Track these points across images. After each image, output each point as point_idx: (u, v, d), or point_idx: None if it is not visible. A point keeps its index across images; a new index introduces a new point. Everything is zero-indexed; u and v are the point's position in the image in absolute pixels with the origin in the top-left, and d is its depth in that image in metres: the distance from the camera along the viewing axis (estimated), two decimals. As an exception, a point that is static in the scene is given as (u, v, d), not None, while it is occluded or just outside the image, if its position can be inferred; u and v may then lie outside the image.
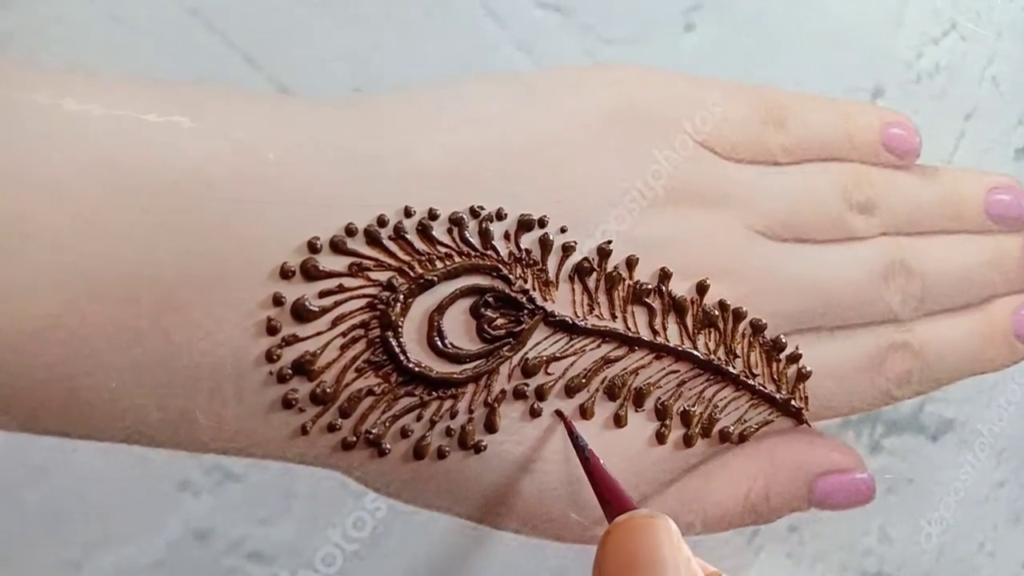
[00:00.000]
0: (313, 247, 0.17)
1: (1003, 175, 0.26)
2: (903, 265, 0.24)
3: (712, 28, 0.22)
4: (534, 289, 0.20)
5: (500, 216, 0.19)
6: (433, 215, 0.19)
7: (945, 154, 0.25)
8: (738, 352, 0.22)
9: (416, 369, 0.18)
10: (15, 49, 0.16)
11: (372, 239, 0.18)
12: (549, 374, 0.20)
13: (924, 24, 0.25)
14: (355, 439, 0.18)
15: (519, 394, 0.19)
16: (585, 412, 0.20)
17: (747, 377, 0.22)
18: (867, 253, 0.23)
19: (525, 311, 0.19)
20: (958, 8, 0.26)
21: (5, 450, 0.15)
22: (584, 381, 0.20)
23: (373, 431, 0.18)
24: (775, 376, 0.22)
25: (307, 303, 0.17)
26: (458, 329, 0.19)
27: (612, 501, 0.18)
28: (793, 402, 0.22)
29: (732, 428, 0.22)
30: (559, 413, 0.19)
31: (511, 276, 0.19)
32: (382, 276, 0.18)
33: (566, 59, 0.20)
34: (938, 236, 0.25)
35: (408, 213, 0.18)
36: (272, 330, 0.17)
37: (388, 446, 0.18)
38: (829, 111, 0.24)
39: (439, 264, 0.19)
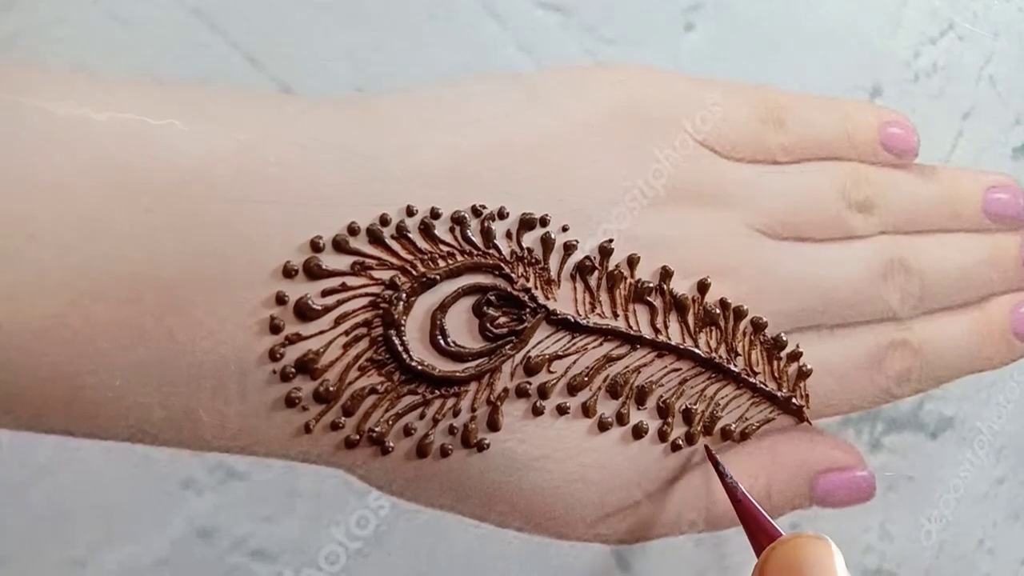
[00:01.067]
0: (316, 246, 0.17)
1: (1001, 174, 0.26)
2: (902, 263, 0.24)
3: (712, 28, 0.22)
4: (536, 288, 0.20)
5: (502, 215, 0.19)
6: (435, 214, 0.19)
7: (943, 153, 0.25)
8: (739, 350, 0.22)
9: (419, 367, 0.18)
10: (18, 50, 0.16)
11: (375, 238, 0.18)
12: (551, 372, 0.20)
13: (922, 24, 0.25)
14: (358, 437, 0.18)
15: (522, 392, 0.19)
16: (587, 410, 0.20)
17: (748, 375, 0.22)
18: (866, 252, 0.23)
19: (527, 310, 0.20)
20: (955, 8, 0.26)
21: (9, 449, 0.15)
22: (586, 379, 0.20)
23: (376, 429, 0.18)
24: (776, 374, 0.22)
25: (310, 302, 0.17)
26: (460, 328, 0.19)
27: (762, 535, 0.18)
28: (794, 400, 0.22)
29: (734, 426, 0.22)
30: (707, 448, 0.20)
31: (513, 275, 0.19)
32: (385, 275, 0.18)
33: (567, 59, 0.20)
34: (936, 235, 0.25)
35: (410, 212, 0.18)
36: (275, 329, 0.17)
37: (391, 444, 0.18)
38: (828, 110, 0.24)
39: (441, 263, 0.19)
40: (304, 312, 0.17)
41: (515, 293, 0.19)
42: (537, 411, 0.20)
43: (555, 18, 0.20)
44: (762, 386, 0.22)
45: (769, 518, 0.19)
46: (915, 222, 0.24)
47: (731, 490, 0.19)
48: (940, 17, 0.26)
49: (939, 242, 0.25)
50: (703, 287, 0.21)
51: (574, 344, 0.20)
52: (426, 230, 0.19)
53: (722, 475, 0.20)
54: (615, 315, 0.20)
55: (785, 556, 0.16)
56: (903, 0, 0.25)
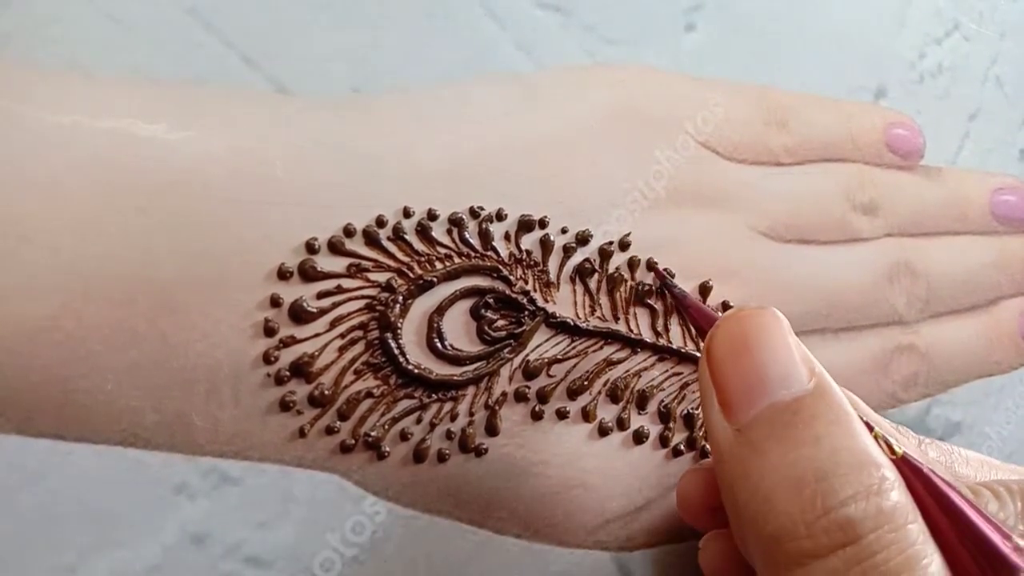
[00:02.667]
0: (311, 248, 0.17)
1: (1008, 175, 0.26)
2: (908, 266, 0.24)
3: (713, 28, 0.22)
4: (535, 290, 0.19)
5: (500, 217, 0.19)
6: (432, 216, 0.18)
7: (949, 155, 0.25)
8: (741, 353, 0.21)
9: (416, 371, 0.18)
10: (13, 49, 0.16)
11: (371, 240, 0.18)
12: (551, 376, 0.19)
13: (926, 24, 0.25)
14: (354, 442, 0.18)
15: (520, 396, 0.19)
16: (587, 415, 0.20)
17: (751, 379, 0.21)
18: (871, 254, 0.23)
19: (526, 312, 0.19)
20: (960, 8, 0.26)
21: (0, 453, 0.15)
22: (586, 383, 0.20)
23: (372, 434, 0.18)
24: (779, 378, 0.22)
25: (305, 304, 0.17)
26: (458, 331, 0.19)
27: (702, 318, 0.18)
28: (798, 404, 0.22)
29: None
30: (654, 265, 0.19)
31: (511, 277, 0.19)
32: (381, 277, 0.18)
33: (567, 59, 0.20)
34: (943, 237, 0.24)
35: (407, 214, 0.18)
36: (270, 331, 0.17)
37: (387, 449, 0.18)
38: (832, 111, 0.24)
39: (439, 265, 0.19)
40: (299, 315, 0.17)
41: (514, 296, 0.19)
42: (536, 415, 0.19)
43: (555, 18, 0.20)
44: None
45: (708, 308, 0.19)
46: (921, 224, 0.24)
47: (679, 298, 0.19)
48: (945, 17, 0.26)
49: (945, 244, 0.24)
50: (705, 290, 0.21)
51: (574, 347, 0.20)
52: (423, 232, 0.18)
53: (668, 284, 0.20)
54: (615, 318, 0.20)
55: (730, 329, 0.16)
56: (907, 0, 0.25)
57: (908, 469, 0.15)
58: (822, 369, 0.15)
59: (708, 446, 0.18)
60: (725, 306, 0.21)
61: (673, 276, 0.20)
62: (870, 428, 0.15)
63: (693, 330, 0.21)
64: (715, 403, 0.15)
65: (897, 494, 0.14)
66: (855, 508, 0.14)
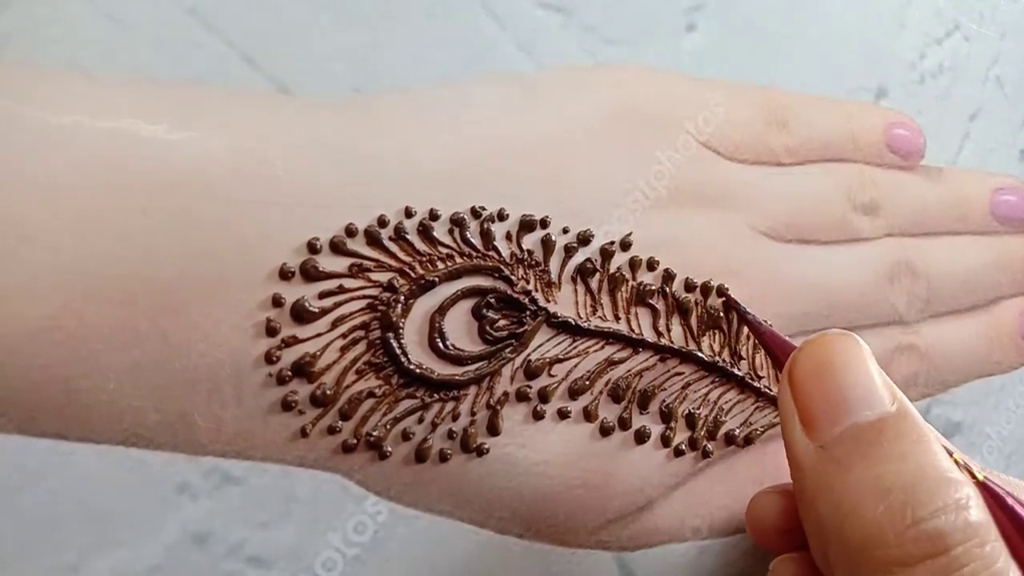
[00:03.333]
0: (313, 248, 0.17)
1: (1009, 176, 0.26)
2: (908, 266, 0.24)
3: (714, 28, 0.22)
4: (536, 290, 0.19)
5: (502, 217, 0.19)
6: (434, 216, 0.18)
7: (950, 155, 0.25)
8: (743, 354, 0.21)
9: (417, 371, 0.18)
10: (13, 49, 0.16)
11: (372, 240, 0.18)
12: (552, 376, 0.19)
13: (927, 24, 0.25)
14: (356, 442, 0.18)
15: (522, 396, 0.19)
16: (589, 415, 0.20)
17: (752, 379, 0.21)
18: (872, 254, 0.23)
19: (527, 312, 0.19)
20: (960, 8, 0.26)
21: (1, 453, 0.15)
22: (588, 383, 0.20)
23: (374, 434, 0.18)
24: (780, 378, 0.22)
25: (307, 304, 0.17)
26: (460, 330, 0.19)
27: (776, 348, 0.19)
28: (799, 404, 0.22)
29: (738, 431, 0.21)
30: (724, 292, 0.20)
31: (513, 277, 0.19)
32: (383, 277, 0.18)
33: (567, 59, 0.20)
34: (943, 237, 0.24)
35: (409, 214, 0.18)
36: (271, 331, 0.17)
37: (389, 449, 0.18)
38: (832, 112, 0.24)
39: (440, 265, 0.19)
40: (301, 314, 0.17)
41: (515, 295, 0.19)
42: (538, 415, 0.19)
43: (555, 18, 0.20)
44: (766, 390, 0.22)
45: (784, 336, 0.19)
46: (921, 224, 0.24)
47: (753, 326, 0.20)
48: (945, 18, 0.26)
49: (946, 244, 0.24)
50: (706, 290, 0.21)
51: (575, 347, 0.20)
52: (425, 232, 0.18)
53: (740, 310, 0.20)
54: (617, 318, 0.20)
55: (813, 352, 0.16)
56: (907, 0, 0.25)
57: (988, 493, 0.15)
58: (902, 395, 0.16)
59: (788, 464, 0.18)
60: (728, 307, 0.21)
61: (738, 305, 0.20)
62: (949, 453, 0.16)
63: (694, 330, 0.21)
64: (796, 422, 0.16)
65: (982, 512, 0.14)
66: (944, 520, 0.14)
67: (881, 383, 0.16)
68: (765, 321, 0.20)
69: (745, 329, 0.21)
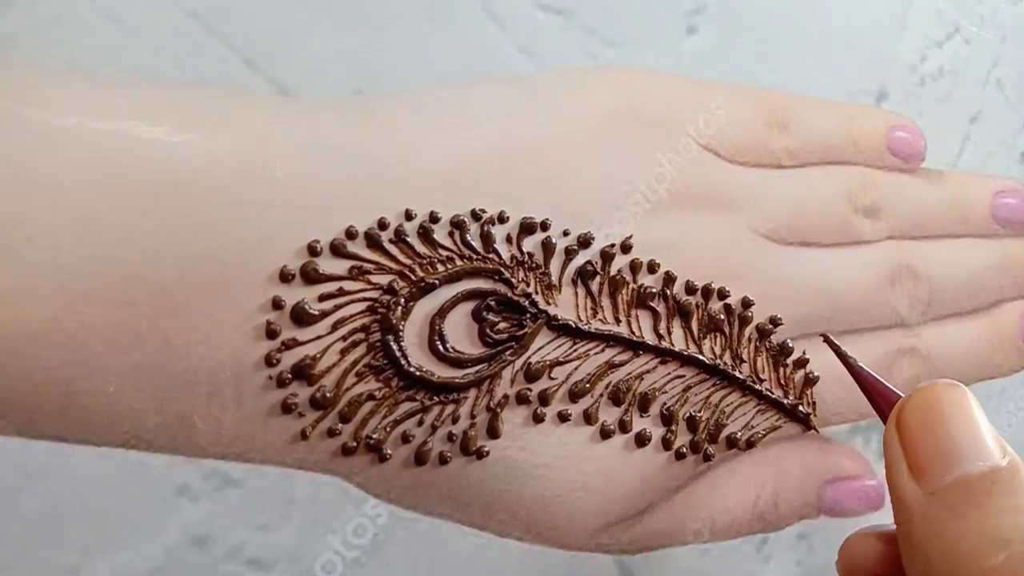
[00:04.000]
0: (313, 250, 0.17)
1: (1009, 178, 0.26)
2: (910, 269, 0.24)
3: (714, 31, 0.22)
4: (537, 293, 0.19)
5: (502, 219, 0.19)
6: (434, 218, 0.18)
7: (950, 157, 0.25)
8: (744, 357, 0.21)
9: (417, 373, 0.18)
10: (16, 50, 0.16)
11: (373, 242, 0.18)
12: (552, 379, 0.19)
13: (928, 27, 0.25)
14: (355, 444, 0.18)
15: (522, 399, 0.19)
16: (589, 417, 0.20)
17: (754, 382, 0.21)
18: (873, 257, 0.23)
19: (528, 315, 0.19)
20: (961, 11, 0.26)
21: (2, 455, 0.15)
22: (588, 386, 0.20)
23: (373, 436, 0.18)
24: (782, 381, 0.22)
25: (307, 307, 0.17)
26: (460, 333, 0.19)
27: (878, 396, 0.19)
28: (800, 408, 0.22)
29: (739, 434, 0.21)
30: (826, 337, 0.20)
31: (513, 280, 0.19)
32: (383, 279, 0.18)
33: (568, 61, 0.20)
34: (944, 240, 0.24)
35: (409, 216, 0.18)
36: (272, 334, 0.17)
37: (389, 452, 0.18)
38: (833, 114, 0.24)
39: (440, 267, 0.19)
40: (301, 317, 0.17)
41: (515, 298, 0.19)
42: (538, 418, 0.19)
43: (556, 20, 0.20)
44: (768, 393, 0.22)
45: (886, 383, 0.19)
46: (923, 227, 0.24)
47: (855, 370, 0.20)
48: (946, 20, 0.26)
49: (947, 247, 0.24)
50: (707, 292, 0.21)
51: (575, 350, 0.20)
52: (425, 234, 0.18)
53: (843, 355, 0.20)
54: (617, 320, 0.20)
55: (923, 400, 0.17)
56: (908, 3, 0.25)
57: None
58: (1012, 449, 0.16)
59: (894, 512, 0.18)
60: (729, 310, 0.21)
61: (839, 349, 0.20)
62: None
63: (695, 332, 0.21)
64: (904, 468, 0.16)
65: None
66: None
67: (991, 436, 0.16)
68: (865, 367, 0.20)
69: (747, 332, 0.21)
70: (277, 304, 0.17)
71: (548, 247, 0.20)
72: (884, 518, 0.23)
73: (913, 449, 0.16)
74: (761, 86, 0.23)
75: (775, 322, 0.22)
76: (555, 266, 0.20)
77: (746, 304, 0.21)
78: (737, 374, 0.21)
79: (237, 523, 0.16)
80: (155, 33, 0.16)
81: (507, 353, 0.19)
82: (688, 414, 0.21)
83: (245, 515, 0.16)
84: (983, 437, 0.16)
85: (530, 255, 0.19)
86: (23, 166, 0.15)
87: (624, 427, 0.20)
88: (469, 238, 0.19)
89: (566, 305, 0.20)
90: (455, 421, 0.19)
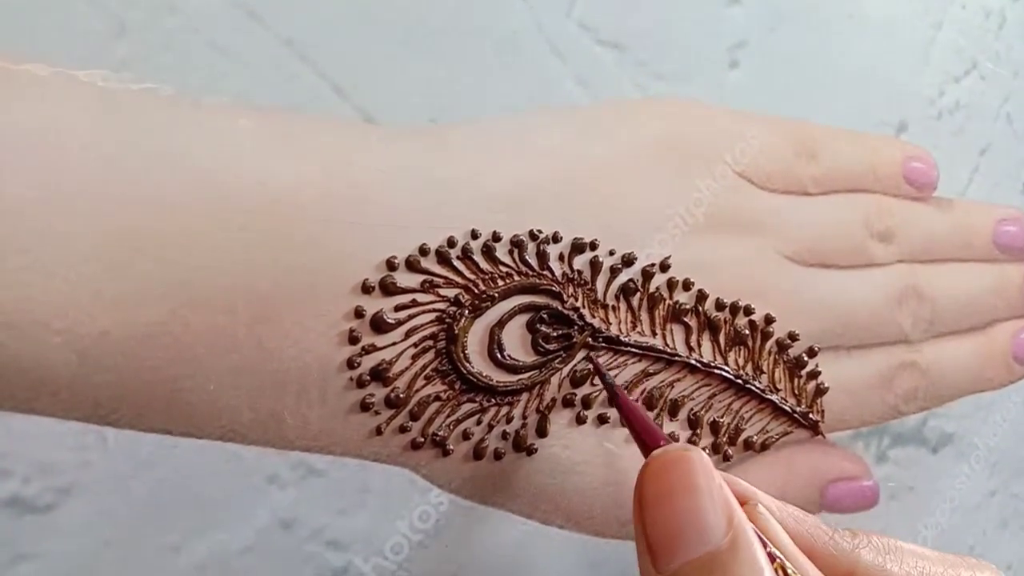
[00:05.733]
0: (391, 265, 0.19)
1: (1011, 207, 0.28)
2: (916, 290, 0.25)
3: (754, 65, 0.24)
4: (584, 307, 0.21)
5: (556, 239, 0.21)
6: (496, 237, 0.20)
7: (960, 187, 0.26)
8: (764, 368, 0.23)
9: (478, 378, 0.20)
10: (128, 74, 0.17)
11: (442, 259, 0.20)
12: (594, 385, 0.21)
13: (948, 63, 0.27)
14: (423, 440, 0.20)
15: (567, 402, 0.21)
16: (626, 421, 0.22)
17: (770, 392, 0.24)
18: (884, 279, 0.25)
19: (576, 327, 0.21)
20: (979, 47, 0.28)
21: (115, 445, 0.17)
22: (626, 392, 0.22)
23: (439, 433, 0.20)
24: (796, 391, 0.24)
25: (385, 316, 0.19)
26: (515, 342, 0.20)
27: (643, 433, 0.18)
28: (811, 415, 0.24)
29: (755, 437, 0.24)
30: (590, 358, 0.20)
31: (564, 295, 0.21)
32: (450, 292, 0.20)
33: (620, 93, 0.22)
34: (949, 264, 0.26)
35: (474, 235, 0.20)
36: (353, 340, 0.19)
37: (451, 447, 0.20)
38: (856, 145, 0.25)
39: (500, 283, 0.20)
40: (379, 325, 0.19)
41: (565, 312, 0.21)
42: (581, 420, 0.21)
43: (611, 55, 0.22)
44: (782, 403, 0.24)
45: (650, 420, 0.19)
46: (930, 251, 0.26)
47: (610, 390, 0.19)
48: (965, 57, 0.27)
49: (951, 270, 0.26)
50: (735, 309, 0.23)
51: (616, 360, 0.22)
52: (488, 252, 0.20)
53: (604, 379, 0.20)
54: (653, 333, 0.22)
55: (655, 471, 0.16)
56: (931, 39, 0.27)
57: None
58: (741, 517, 0.16)
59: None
60: (753, 326, 0.23)
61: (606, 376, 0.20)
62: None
63: (722, 345, 0.23)
64: (644, 547, 0.16)
65: None
66: None
67: (720, 508, 0.15)
68: (635, 400, 0.20)
69: (768, 346, 0.23)
70: (359, 313, 0.19)
71: (596, 265, 0.21)
72: (877, 515, 0.25)
73: (647, 527, 0.16)
74: (794, 116, 0.24)
75: (793, 337, 0.24)
76: (601, 283, 0.21)
77: (768, 320, 0.23)
78: (757, 384, 0.23)
79: (319, 508, 0.18)
80: (253, 61, 0.17)
81: (556, 361, 0.21)
82: (712, 419, 0.23)
83: (326, 501, 0.18)
84: (706, 513, 0.15)
85: (579, 272, 0.21)
86: (138, 185, 0.17)
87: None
88: (527, 256, 0.20)
89: (609, 318, 0.21)
90: (509, 421, 0.21)
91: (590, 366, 0.21)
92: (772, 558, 0.16)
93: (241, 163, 0.18)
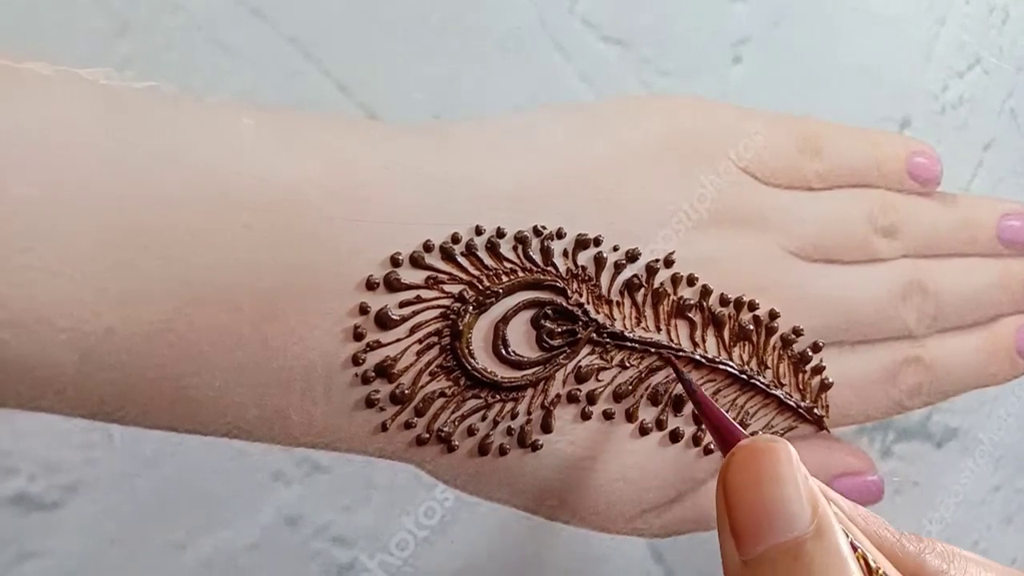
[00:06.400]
0: (395, 261, 0.19)
1: (1015, 202, 0.28)
2: (920, 285, 0.26)
3: (758, 61, 0.24)
4: (588, 303, 0.21)
5: (560, 235, 0.21)
6: (501, 234, 0.20)
7: (963, 182, 0.26)
8: (769, 363, 0.23)
9: (482, 374, 0.20)
10: (131, 72, 0.17)
11: (447, 255, 0.20)
12: (599, 381, 0.21)
13: (951, 58, 0.27)
14: (428, 436, 0.20)
15: (572, 398, 0.21)
16: (630, 416, 0.22)
17: (775, 387, 0.24)
18: (888, 274, 0.25)
19: (580, 323, 0.21)
20: (983, 43, 0.28)
21: (120, 442, 0.17)
22: (630, 388, 0.22)
23: (444, 429, 0.20)
24: (800, 386, 0.24)
25: (389, 312, 0.19)
26: (520, 338, 0.20)
27: (722, 429, 0.19)
28: (816, 410, 0.24)
29: (760, 432, 0.24)
30: (671, 360, 0.20)
31: (568, 291, 0.21)
32: (454, 289, 0.20)
33: (625, 89, 0.22)
34: (953, 259, 0.26)
35: (479, 231, 0.20)
36: (358, 336, 0.19)
37: (456, 443, 0.20)
38: (860, 140, 0.25)
39: (505, 279, 0.20)
40: (384, 321, 0.19)
41: (570, 308, 0.21)
42: (585, 415, 0.21)
43: (615, 51, 0.22)
44: (787, 397, 0.24)
45: (731, 419, 0.19)
46: (934, 247, 0.26)
47: (689, 389, 0.20)
48: (968, 52, 0.27)
49: (955, 266, 0.26)
50: (739, 304, 0.23)
51: (620, 355, 0.22)
52: (492, 248, 0.20)
53: (692, 390, 0.20)
54: (658, 329, 0.22)
55: (743, 460, 0.17)
56: (935, 34, 0.27)
57: None
58: (826, 507, 0.16)
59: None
60: (757, 321, 0.23)
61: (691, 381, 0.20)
62: (869, 568, 0.16)
63: (726, 341, 0.23)
64: (728, 530, 0.16)
65: None
66: None
67: (806, 497, 0.16)
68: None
69: (772, 341, 0.23)
70: (363, 310, 0.19)
71: (600, 261, 0.21)
72: (882, 510, 0.25)
73: (733, 512, 0.17)
74: (798, 113, 0.24)
75: (798, 332, 0.24)
76: (605, 279, 0.21)
77: (773, 316, 0.23)
78: (761, 379, 0.23)
79: (324, 505, 0.18)
80: (256, 59, 0.17)
81: (560, 357, 0.21)
82: (717, 414, 0.23)
83: (331, 498, 0.18)
84: (794, 502, 0.16)
85: (583, 268, 0.21)
86: (140, 183, 0.17)
87: (660, 425, 0.22)
88: (531, 252, 0.21)
89: (614, 314, 0.21)
90: (514, 417, 0.21)
91: (595, 363, 0.21)
92: (854, 547, 0.16)
93: (244, 161, 0.18)
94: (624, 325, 0.22)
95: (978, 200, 0.27)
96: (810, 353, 0.24)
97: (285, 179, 0.18)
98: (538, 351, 0.21)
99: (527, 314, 0.21)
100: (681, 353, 0.22)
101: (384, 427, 0.19)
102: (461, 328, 0.20)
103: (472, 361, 0.20)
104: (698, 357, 0.22)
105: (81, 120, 0.16)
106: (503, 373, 0.20)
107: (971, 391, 0.27)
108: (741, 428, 0.19)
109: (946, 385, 0.26)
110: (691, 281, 0.22)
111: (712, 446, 0.23)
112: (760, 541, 0.16)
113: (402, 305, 0.19)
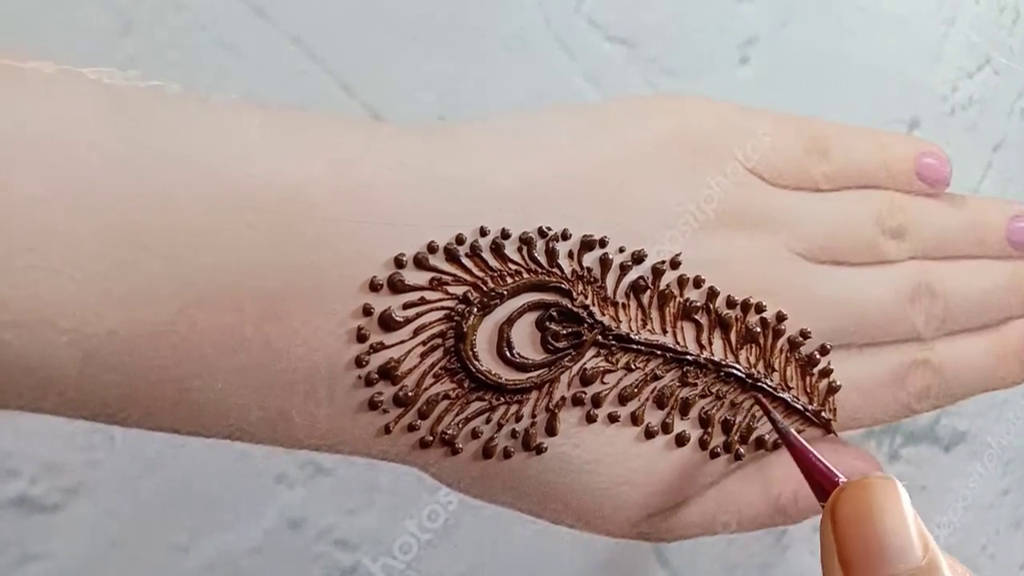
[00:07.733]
0: (399, 263, 0.19)
1: (1025, 204, 0.28)
2: (928, 288, 0.25)
3: (765, 61, 0.23)
4: (594, 304, 0.21)
5: (565, 236, 0.21)
6: (505, 235, 0.20)
7: (973, 183, 0.26)
8: (776, 366, 0.23)
9: (486, 376, 0.20)
10: (135, 70, 0.17)
11: (451, 256, 0.19)
12: (604, 383, 0.21)
13: (961, 59, 0.27)
14: (432, 439, 0.20)
15: (577, 401, 0.21)
16: (636, 419, 0.22)
17: (782, 390, 0.23)
18: (896, 276, 0.25)
19: (585, 325, 0.21)
20: (993, 44, 0.27)
21: (122, 445, 0.17)
22: (636, 391, 0.22)
23: (448, 432, 0.20)
24: (808, 389, 0.24)
25: (393, 314, 0.19)
26: (524, 340, 0.20)
27: (817, 474, 0.19)
28: (823, 413, 0.24)
29: (767, 436, 0.23)
30: (758, 399, 0.21)
31: (573, 292, 0.21)
32: (459, 290, 0.20)
33: (630, 89, 0.22)
34: (962, 261, 0.26)
35: (483, 233, 0.20)
36: (362, 338, 0.19)
37: (460, 446, 0.20)
38: (868, 141, 0.25)
39: (509, 280, 0.20)
40: (388, 323, 0.19)
41: (575, 309, 0.21)
42: (591, 418, 0.21)
43: (621, 51, 0.22)
44: (794, 400, 0.24)
45: (826, 462, 0.20)
46: (942, 248, 0.26)
47: (785, 436, 0.20)
48: (978, 52, 0.27)
49: (964, 268, 0.26)
50: (746, 307, 0.23)
51: (626, 358, 0.21)
52: (497, 249, 0.20)
53: (786, 434, 0.21)
54: (664, 331, 0.22)
55: (856, 493, 0.18)
56: (944, 34, 0.26)
57: None
58: (934, 544, 0.17)
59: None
60: (764, 323, 0.23)
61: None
62: None
63: (733, 343, 0.23)
64: (836, 559, 0.17)
65: None
66: None
67: (916, 533, 0.17)
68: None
69: (779, 343, 0.23)
70: (367, 311, 0.19)
71: (605, 263, 0.21)
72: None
73: (843, 542, 0.17)
74: (805, 113, 0.24)
75: (805, 335, 0.23)
76: (611, 280, 0.21)
77: (780, 318, 0.23)
78: (768, 382, 0.23)
79: (327, 508, 0.18)
80: (261, 58, 0.17)
81: (565, 359, 0.21)
82: (723, 417, 0.23)
83: (335, 501, 0.18)
84: (907, 536, 0.17)
85: (589, 270, 0.21)
86: (142, 182, 0.17)
87: (666, 428, 0.22)
88: (536, 253, 0.20)
89: (619, 316, 0.21)
90: (518, 419, 0.20)
91: (601, 365, 0.21)
92: None
93: (248, 161, 0.17)
94: (630, 327, 0.21)
95: (987, 202, 0.27)
96: (818, 356, 0.24)
97: (289, 179, 0.18)
98: (543, 353, 0.21)
99: (532, 316, 0.20)
100: (687, 356, 0.22)
101: (387, 429, 0.19)
102: (465, 330, 0.20)
103: (476, 363, 0.20)
104: (704, 360, 0.22)
105: (84, 119, 0.16)
106: (507, 375, 0.20)
107: (980, 395, 0.27)
108: (835, 471, 0.19)
109: (955, 388, 0.26)
110: (697, 283, 0.22)
111: (719, 450, 0.23)
112: (874, 570, 0.16)
113: (406, 307, 0.19)
